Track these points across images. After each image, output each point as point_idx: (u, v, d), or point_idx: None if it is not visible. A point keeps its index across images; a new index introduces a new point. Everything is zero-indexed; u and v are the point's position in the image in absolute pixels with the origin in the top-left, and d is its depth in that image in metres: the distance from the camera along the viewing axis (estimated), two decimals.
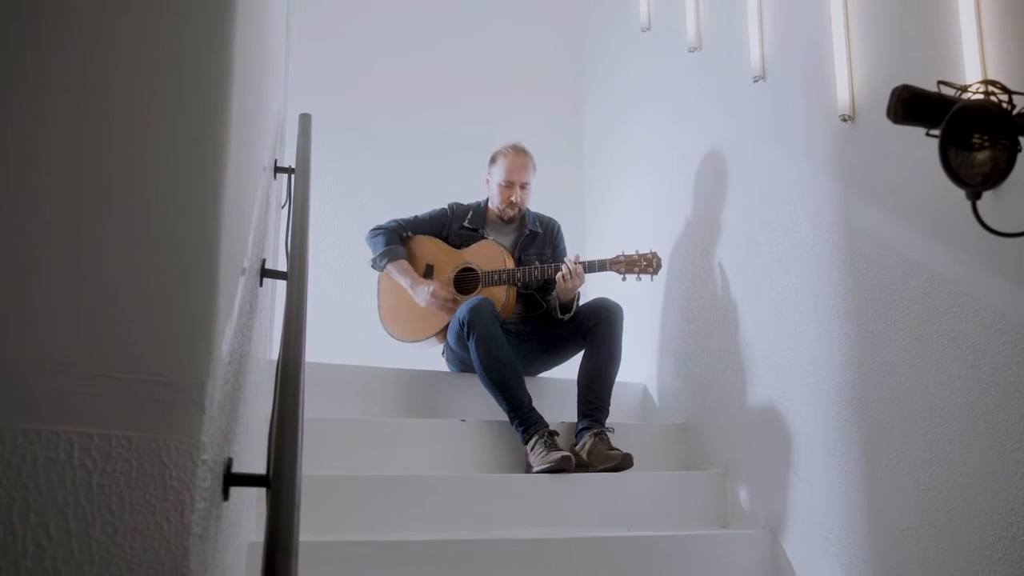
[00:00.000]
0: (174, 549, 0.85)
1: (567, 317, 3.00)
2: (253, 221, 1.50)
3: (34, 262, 0.82)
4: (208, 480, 0.94)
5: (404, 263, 3.13)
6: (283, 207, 2.70)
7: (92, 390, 0.82)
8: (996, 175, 1.16)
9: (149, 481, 0.84)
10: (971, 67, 1.79)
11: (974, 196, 1.20)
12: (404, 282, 3.11)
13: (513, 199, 3.15)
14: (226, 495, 1.12)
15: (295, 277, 1.66)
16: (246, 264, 1.34)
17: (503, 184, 3.14)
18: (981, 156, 1.21)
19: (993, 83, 1.26)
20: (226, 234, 0.99)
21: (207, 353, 0.91)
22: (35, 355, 0.80)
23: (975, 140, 1.23)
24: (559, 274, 2.91)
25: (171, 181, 0.92)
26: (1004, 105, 1.22)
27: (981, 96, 1.24)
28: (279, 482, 1.07)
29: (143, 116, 0.91)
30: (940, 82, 1.29)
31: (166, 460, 0.86)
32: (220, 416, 1.02)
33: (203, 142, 0.95)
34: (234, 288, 1.14)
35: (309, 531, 2.11)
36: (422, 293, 3.06)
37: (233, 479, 1.13)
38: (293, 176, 2.26)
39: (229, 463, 1.13)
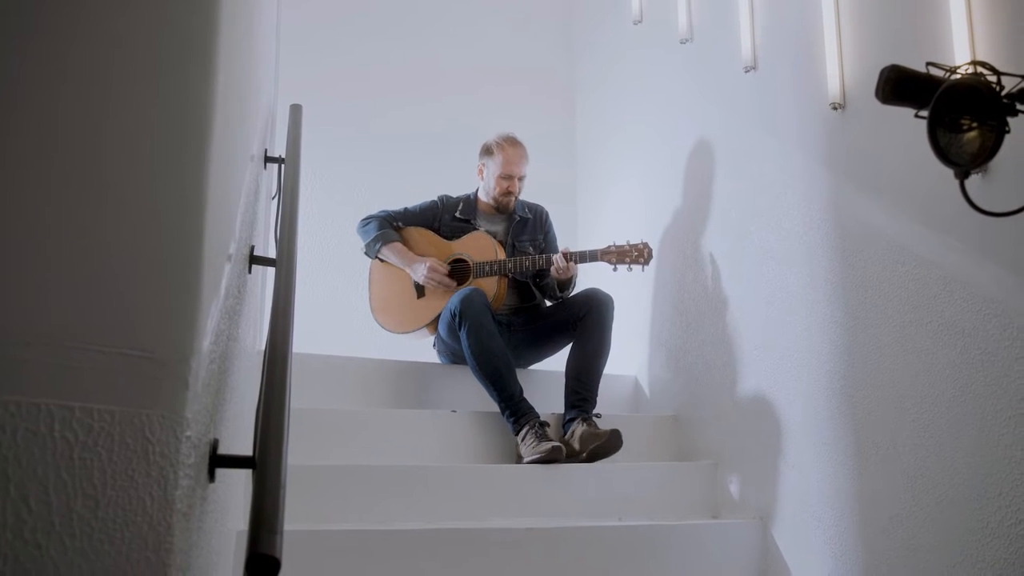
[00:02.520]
0: (157, 525, 0.84)
1: (566, 294, 3.02)
2: (240, 207, 1.50)
3: (19, 237, 0.82)
4: (192, 457, 0.93)
5: (398, 245, 3.13)
6: (274, 198, 2.68)
7: (75, 363, 0.82)
8: (984, 155, 1.16)
9: (132, 456, 0.84)
10: (960, 51, 1.79)
11: (962, 176, 1.20)
12: (400, 262, 3.11)
13: (511, 190, 3.16)
14: (212, 476, 1.12)
15: (283, 263, 1.66)
16: (232, 248, 1.34)
17: (502, 176, 3.15)
18: (969, 136, 1.21)
19: (982, 64, 1.26)
20: (211, 215, 0.98)
21: (191, 330, 0.91)
22: (18, 327, 0.80)
23: (964, 121, 1.23)
24: (552, 268, 2.93)
25: (156, 162, 0.92)
26: (993, 86, 1.21)
27: (970, 76, 1.24)
28: (265, 461, 1.06)
29: (127, 98, 0.91)
30: (929, 63, 1.29)
31: (149, 435, 0.85)
32: (205, 394, 1.01)
33: (187, 126, 0.95)
34: (220, 270, 1.13)
35: (300, 521, 2.11)
36: (419, 270, 3.06)
37: (219, 460, 1.12)
38: (283, 166, 2.25)
39: (215, 444, 1.13)
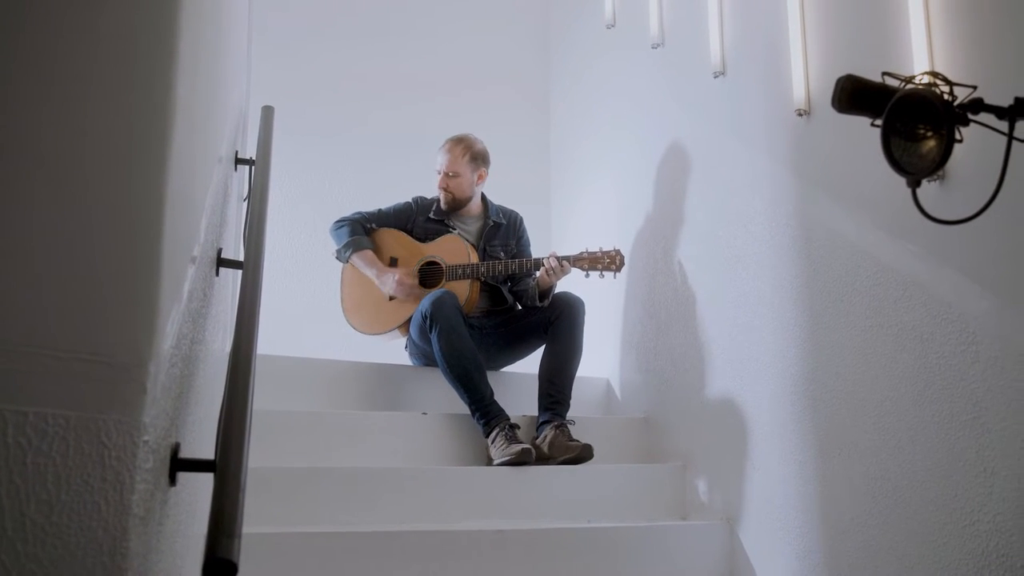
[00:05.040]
0: (112, 529, 0.84)
1: (546, 303, 3.02)
2: (206, 209, 1.49)
3: None
4: (150, 462, 0.93)
5: (369, 253, 3.13)
6: (244, 200, 2.67)
7: (28, 368, 0.82)
8: (934, 164, 1.19)
9: (87, 461, 0.83)
10: (919, 61, 1.83)
11: (914, 184, 1.23)
12: (370, 272, 3.11)
13: (439, 184, 3.18)
14: (173, 480, 1.12)
15: (250, 266, 1.65)
16: (196, 250, 1.34)
17: (437, 171, 3.20)
18: (922, 146, 1.24)
19: (936, 75, 1.29)
20: (171, 216, 0.98)
21: (150, 333, 0.91)
22: None
23: (920, 130, 1.26)
24: (543, 269, 2.93)
25: (114, 163, 0.91)
26: (945, 96, 1.24)
27: (923, 87, 1.27)
28: (225, 465, 1.06)
29: (84, 99, 0.90)
30: (885, 73, 1.32)
31: (105, 440, 0.85)
32: (165, 398, 1.01)
33: (147, 126, 0.94)
34: (182, 273, 1.13)
35: (271, 523, 2.11)
36: (388, 281, 3.07)
37: (180, 464, 1.12)
38: (253, 167, 2.24)
39: (176, 448, 1.13)
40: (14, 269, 0.83)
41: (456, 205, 3.18)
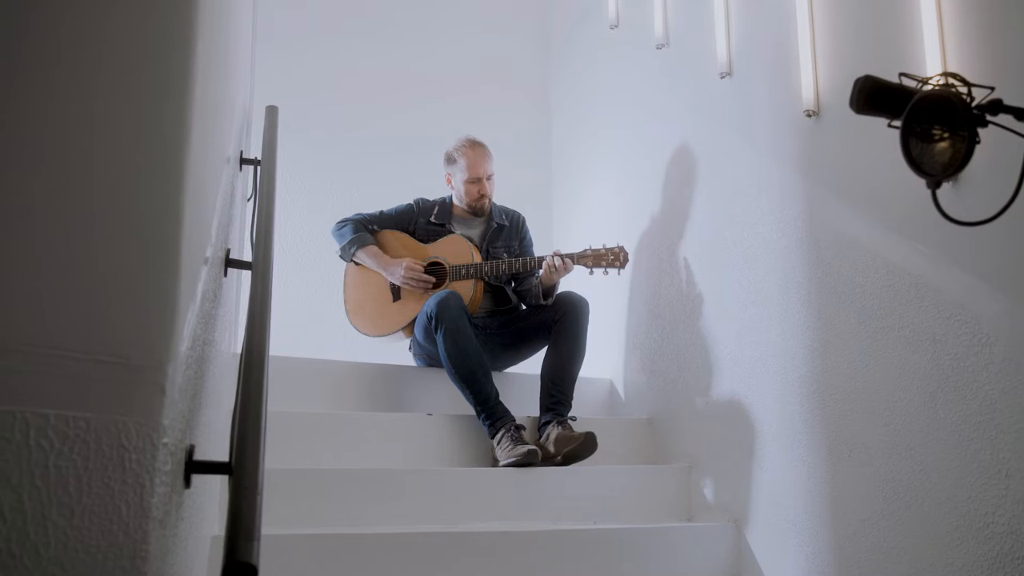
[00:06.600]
0: (133, 533, 0.84)
1: (550, 301, 3.00)
2: (216, 209, 1.49)
3: None
4: (169, 464, 0.93)
5: (374, 248, 3.12)
6: (249, 200, 2.67)
7: (49, 370, 0.81)
8: (955, 165, 1.18)
9: (107, 463, 0.83)
10: (932, 62, 1.83)
11: (934, 185, 1.22)
12: (376, 266, 3.09)
13: (483, 192, 3.15)
14: (188, 482, 1.11)
15: (259, 266, 1.65)
16: (209, 252, 1.33)
17: (470, 180, 3.14)
18: (941, 147, 1.23)
19: (953, 75, 1.28)
20: (188, 219, 0.98)
21: (168, 335, 0.90)
22: None
23: (935, 131, 1.25)
24: (545, 266, 2.92)
25: (133, 167, 0.91)
26: (964, 97, 1.24)
27: (942, 88, 1.26)
28: (241, 468, 1.05)
29: (104, 104, 0.90)
30: (902, 74, 1.31)
31: (125, 442, 0.84)
32: (181, 400, 1.00)
33: (165, 132, 0.95)
34: (196, 274, 1.13)
35: (275, 525, 2.10)
36: (396, 271, 3.05)
37: (195, 466, 1.12)
38: (259, 168, 2.23)
39: (191, 450, 1.12)
40: (32, 272, 0.82)
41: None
